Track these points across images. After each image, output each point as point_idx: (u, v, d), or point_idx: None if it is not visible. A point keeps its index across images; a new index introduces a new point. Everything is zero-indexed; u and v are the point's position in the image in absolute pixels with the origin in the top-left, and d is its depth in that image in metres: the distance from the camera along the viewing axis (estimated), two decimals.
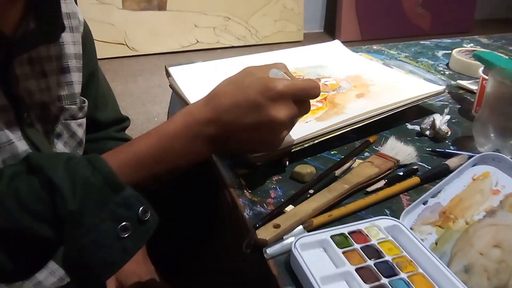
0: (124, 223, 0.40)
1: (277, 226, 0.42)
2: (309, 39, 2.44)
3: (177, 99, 1.29)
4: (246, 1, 2.29)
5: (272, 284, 0.40)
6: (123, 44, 1.99)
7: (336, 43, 0.86)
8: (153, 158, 0.45)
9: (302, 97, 0.48)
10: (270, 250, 0.41)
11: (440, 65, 0.94)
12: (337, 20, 2.42)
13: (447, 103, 0.75)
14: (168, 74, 0.79)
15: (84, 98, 0.68)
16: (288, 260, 0.40)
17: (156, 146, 0.45)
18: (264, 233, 0.41)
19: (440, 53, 1.02)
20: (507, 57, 0.85)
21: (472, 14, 2.62)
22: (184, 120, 0.47)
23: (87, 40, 0.69)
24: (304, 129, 0.56)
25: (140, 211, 0.41)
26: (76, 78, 0.65)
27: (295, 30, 2.36)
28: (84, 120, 0.68)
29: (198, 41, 2.18)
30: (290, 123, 0.48)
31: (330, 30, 2.55)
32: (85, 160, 0.41)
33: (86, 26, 0.69)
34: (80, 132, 0.67)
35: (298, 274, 0.39)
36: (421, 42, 1.10)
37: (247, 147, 0.50)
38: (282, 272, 0.40)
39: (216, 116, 0.46)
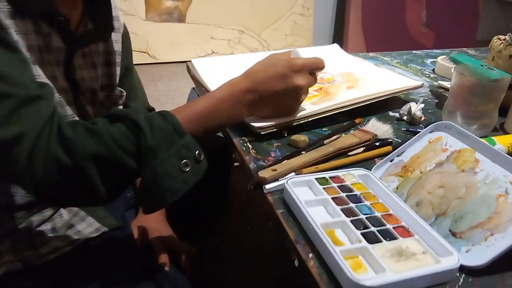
0: (185, 160, 0.53)
1: (274, 170, 0.55)
2: None
3: (196, 92, 1.44)
4: (259, 16, 2.45)
5: (271, 215, 0.52)
6: (145, 52, 2.16)
7: (335, 46, 1.00)
8: (206, 114, 0.59)
9: (314, 69, 0.66)
10: (268, 186, 0.53)
11: (427, 70, 1.07)
12: (344, 36, 2.56)
13: (427, 98, 0.88)
14: (189, 69, 0.93)
15: (121, 89, 0.82)
16: (282, 197, 0.53)
17: (208, 106, 0.60)
18: (264, 173, 0.54)
19: (428, 61, 1.15)
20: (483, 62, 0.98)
21: (474, 34, 2.75)
22: (229, 88, 0.62)
23: (126, 39, 0.84)
24: (301, 110, 0.69)
25: (196, 153, 0.55)
26: (117, 71, 0.80)
27: (304, 44, 2.52)
28: (122, 107, 0.83)
29: (213, 52, 2.34)
30: (306, 90, 0.66)
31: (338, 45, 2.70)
32: (158, 113, 0.55)
33: (125, 28, 0.84)
34: None
35: (288, 202, 0.51)
36: (413, 51, 1.24)
37: (274, 111, 0.66)
38: (277, 202, 0.52)
39: (254, 86, 0.62)
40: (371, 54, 1.18)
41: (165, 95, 1.92)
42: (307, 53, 0.68)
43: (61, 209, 0.76)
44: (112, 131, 0.53)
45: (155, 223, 0.84)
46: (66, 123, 0.53)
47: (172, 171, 0.54)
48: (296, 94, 0.65)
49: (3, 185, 0.66)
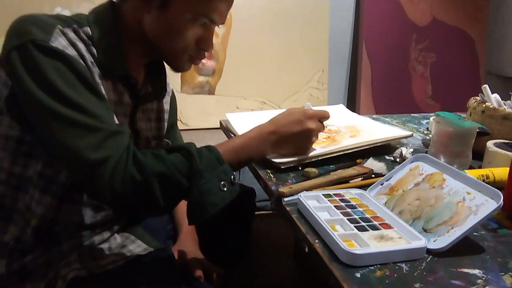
0: (223, 182, 0.71)
1: (291, 188, 0.72)
2: None
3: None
4: (279, 90, 2.74)
5: (288, 218, 0.69)
6: (179, 120, 2.44)
7: (341, 106, 1.22)
8: (239, 149, 0.78)
9: (322, 117, 0.86)
10: (286, 199, 0.71)
11: (421, 128, 1.26)
12: (356, 108, 2.81)
13: (419, 148, 1.06)
14: (222, 125, 1.15)
15: (168, 140, 1.03)
16: (296, 207, 0.70)
17: (241, 143, 0.79)
18: (283, 189, 0.72)
19: (424, 121, 1.34)
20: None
21: None
22: (257, 130, 0.82)
23: (173, 101, 1.06)
24: (313, 152, 0.88)
25: (232, 177, 0.73)
26: (165, 125, 1.01)
27: None
28: None
29: None
30: (316, 133, 0.85)
31: None
32: (204, 146, 0.74)
33: (173, 92, 1.07)
34: None
35: (301, 209, 0.68)
36: (412, 114, 1.44)
37: (291, 150, 0.85)
38: (292, 210, 0.69)
39: (277, 129, 0.82)
40: (374, 116, 1.38)
41: None
42: (318, 109, 0.89)
43: (116, 233, 0.93)
44: (171, 157, 0.72)
45: (191, 249, 1.00)
46: (139, 150, 0.73)
47: (213, 189, 0.71)
48: (309, 135, 0.84)
49: (77, 206, 0.84)
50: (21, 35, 0.69)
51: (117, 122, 0.77)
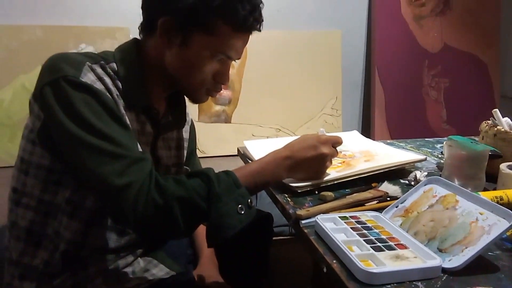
0: (241, 205, 0.75)
1: (308, 210, 0.75)
2: None
3: None
4: (294, 117, 2.79)
5: (306, 241, 0.71)
6: (197, 148, 2.49)
7: (355, 132, 1.25)
8: (256, 173, 0.82)
9: (335, 143, 0.89)
10: (304, 221, 0.73)
11: (436, 152, 1.28)
12: (370, 134, 2.84)
13: (434, 171, 1.07)
14: (240, 152, 1.19)
15: (187, 167, 1.07)
16: (314, 230, 0.72)
17: (258, 167, 0.83)
18: (301, 212, 0.75)
19: (438, 146, 1.36)
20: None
21: None
22: (273, 155, 0.85)
23: (192, 130, 1.11)
24: (329, 176, 0.91)
25: (249, 201, 0.77)
26: (184, 153, 1.05)
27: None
28: None
29: None
30: (330, 158, 0.88)
31: None
32: (222, 171, 0.78)
33: (192, 121, 1.12)
34: None
35: (318, 231, 0.71)
36: (426, 138, 1.46)
37: (307, 174, 0.88)
38: (310, 232, 0.72)
39: (291, 154, 0.85)
40: (388, 141, 1.40)
41: None
42: (332, 135, 0.93)
43: (139, 258, 0.97)
44: (191, 181, 0.76)
45: (211, 273, 1.02)
46: (161, 176, 0.77)
47: (231, 212, 0.75)
48: (323, 160, 0.87)
49: (102, 231, 0.88)
50: (53, 71, 0.75)
51: (140, 150, 0.81)
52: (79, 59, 0.78)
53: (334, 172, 0.95)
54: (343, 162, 1.02)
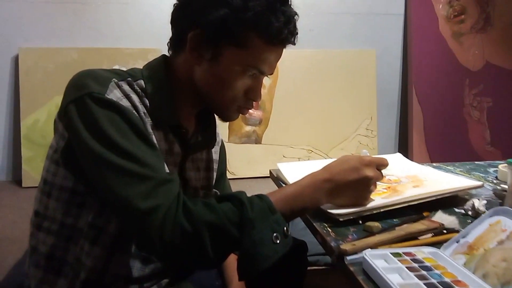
0: (276, 233, 0.68)
1: (353, 245, 0.66)
2: None
3: None
4: (327, 138, 2.70)
5: (353, 281, 0.62)
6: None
7: (398, 154, 1.15)
8: (292, 198, 0.74)
9: (380, 165, 0.80)
10: (349, 258, 0.64)
11: (489, 177, 1.15)
12: (408, 154, 2.69)
13: (491, 199, 0.95)
14: (272, 174, 1.12)
15: (216, 190, 1.01)
16: (361, 267, 0.63)
17: (294, 191, 0.76)
18: (346, 246, 0.65)
19: (491, 170, 1.23)
20: None
21: None
22: (311, 178, 0.78)
23: (222, 151, 1.05)
24: (373, 202, 0.82)
25: (285, 228, 0.69)
26: (214, 175, 0.99)
27: None
28: None
29: None
30: (374, 182, 0.79)
31: None
32: (256, 195, 0.72)
33: (222, 142, 1.07)
34: None
35: (367, 270, 0.61)
36: (476, 162, 1.33)
37: (348, 199, 0.79)
38: (357, 270, 0.62)
39: (331, 176, 0.77)
40: (434, 164, 1.29)
41: None
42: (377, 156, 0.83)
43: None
44: (222, 206, 0.69)
45: None
46: (189, 199, 0.71)
47: (266, 240, 0.67)
48: (367, 184, 0.78)
49: (126, 258, 0.82)
50: (79, 88, 0.72)
51: (167, 170, 0.77)
52: (106, 75, 0.75)
53: (379, 198, 0.85)
54: (389, 187, 0.92)
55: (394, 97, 2.74)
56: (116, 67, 2.49)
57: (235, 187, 1.11)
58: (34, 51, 2.43)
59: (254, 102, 0.85)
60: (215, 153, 0.99)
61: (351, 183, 0.78)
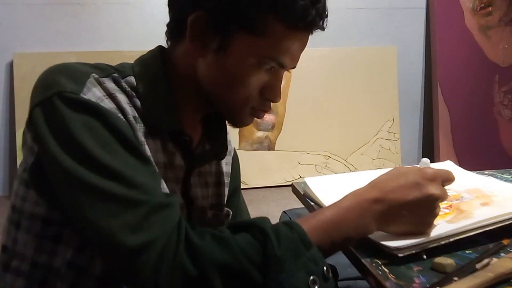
0: (313, 277, 0.49)
1: None
2: None
3: (287, 216, 1.41)
4: (345, 142, 2.51)
5: None
6: None
7: (449, 162, 0.95)
8: (332, 224, 0.56)
9: (446, 180, 0.61)
10: None
11: None
12: (435, 159, 2.49)
13: None
14: (295, 188, 0.93)
15: (229, 209, 0.83)
16: None
17: (334, 215, 0.57)
18: None
19: None
20: None
21: None
22: (355, 198, 0.59)
23: (235, 162, 0.88)
24: (438, 229, 0.62)
25: (324, 269, 0.50)
26: (226, 191, 0.82)
27: (392, 167, 2.47)
28: None
29: (300, 177, 2.38)
30: (441, 201, 0.60)
31: None
32: (283, 222, 0.53)
33: (235, 152, 0.89)
34: None
35: None
36: None
37: (406, 225, 0.60)
38: None
39: (382, 195, 0.58)
40: (486, 172, 1.09)
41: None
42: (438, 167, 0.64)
43: None
44: (239, 240, 0.52)
45: None
46: (193, 231, 0.53)
47: (299, 286, 0.50)
48: (432, 205, 0.59)
49: None
50: (47, 87, 0.55)
51: (165, 190, 0.61)
52: (83, 70, 0.59)
53: (443, 222, 0.66)
54: (450, 206, 0.73)
55: (417, 96, 2.54)
56: None
57: (247, 197, 0.95)
58: (30, 56, 2.28)
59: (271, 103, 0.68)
60: (227, 164, 0.82)
61: (411, 204, 0.58)
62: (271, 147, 2.42)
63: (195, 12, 0.60)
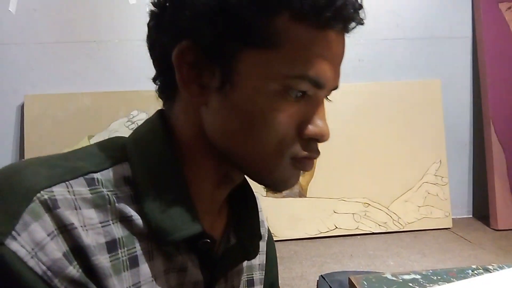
0: None
1: None
2: (458, 225, 2.20)
3: (327, 282, 1.18)
4: (386, 188, 2.24)
5: None
6: None
7: None
8: None
9: None
10: None
11: None
12: (490, 206, 2.18)
13: None
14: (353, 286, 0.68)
15: None
16: None
17: None
18: None
19: None
20: None
21: None
22: None
23: (270, 249, 0.65)
24: None
25: None
26: None
27: (441, 216, 2.17)
28: None
29: (336, 227, 2.11)
30: None
31: (481, 216, 2.30)
32: None
33: (269, 233, 0.66)
34: None
35: None
36: None
37: None
38: None
39: None
40: None
41: (289, 285, 1.65)
42: None
43: None
44: None
45: None
46: None
47: None
48: None
49: None
50: None
51: None
52: (27, 185, 0.38)
53: None
54: None
55: (466, 135, 2.27)
56: (135, 112, 2.16)
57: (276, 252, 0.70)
58: (41, 98, 2.14)
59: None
60: (261, 253, 0.61)
61: None
62: (302, 194, 2.17)
63: (178, 44, 0.43)
